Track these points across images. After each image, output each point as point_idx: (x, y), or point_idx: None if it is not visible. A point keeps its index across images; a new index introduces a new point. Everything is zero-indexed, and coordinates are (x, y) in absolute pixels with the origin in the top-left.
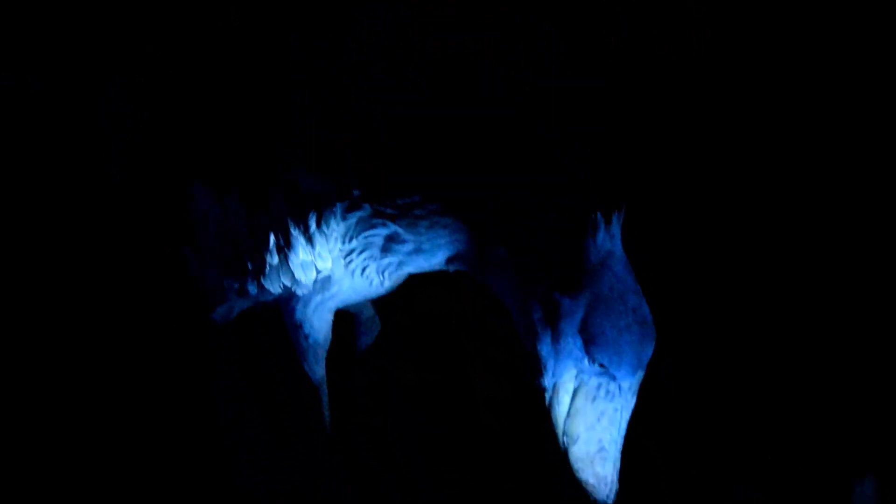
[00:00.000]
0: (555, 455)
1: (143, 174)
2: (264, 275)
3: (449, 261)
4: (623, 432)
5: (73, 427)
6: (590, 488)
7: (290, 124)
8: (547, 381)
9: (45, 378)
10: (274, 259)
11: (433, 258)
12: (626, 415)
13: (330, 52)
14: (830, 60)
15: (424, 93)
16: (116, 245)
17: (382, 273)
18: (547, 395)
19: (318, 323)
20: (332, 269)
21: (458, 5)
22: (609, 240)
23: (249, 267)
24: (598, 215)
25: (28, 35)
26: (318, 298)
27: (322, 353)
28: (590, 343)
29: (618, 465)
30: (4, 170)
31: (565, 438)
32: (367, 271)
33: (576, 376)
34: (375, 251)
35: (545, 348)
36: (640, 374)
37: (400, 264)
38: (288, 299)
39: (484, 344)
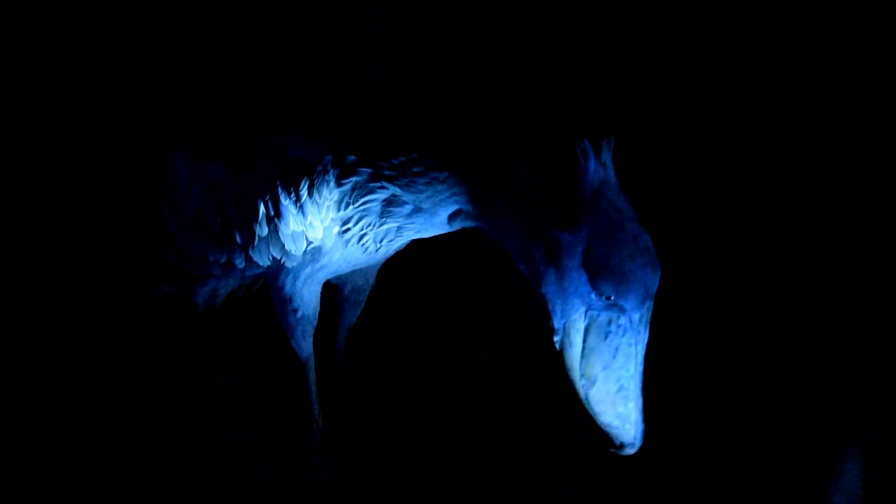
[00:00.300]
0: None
1: (142, 174)
2: (253, 246)
3: (451, 218)
4: (640, 368)
5: (77, 426)
6: (614, 432)
7: (282, 91)
8: (556, 323)
9: (45, 377)
10: (263, 230)
11: (434, 217)
12: (641, 349)
13: (329, 45)
14: (828, 61)
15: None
16: (115, 244)
17: (381, 241)
18: (557, 338)
19: (308, 296)
20: (324, 239)
21: (457, 5)
22: (601, 169)
23: (238, 239)
24: (587, 143)
25: (28, 35)
26: (307, 270)
27: (311, 329)
28: (595, 276)
29: (640, 403)
30: (4, 170)
31: (583, 382)
32: (365, 239)
33: (585, 314)
34: (374, 217)
35: (551, 288)
36: (650, 305)
37: (399, 230)
38: (276, 273)
39: (488, 312)
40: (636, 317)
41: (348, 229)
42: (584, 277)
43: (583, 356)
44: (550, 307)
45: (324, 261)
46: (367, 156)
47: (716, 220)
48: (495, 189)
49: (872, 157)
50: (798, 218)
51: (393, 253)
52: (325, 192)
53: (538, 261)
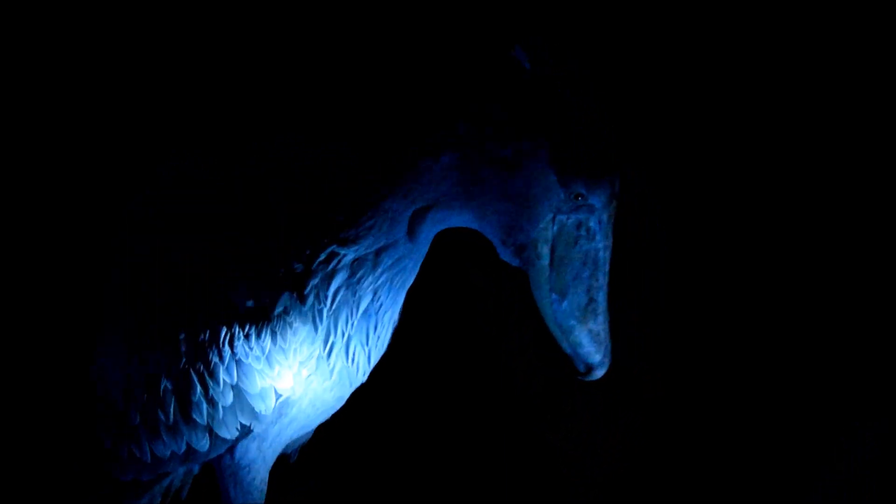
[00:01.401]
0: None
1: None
2: (216, 420)
3: (411, 231)
4: (608, 279)
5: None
6: (584, 351)
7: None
8: (523, 238)
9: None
10: (227, 398)
11: (399, 246)
12: (608, 255)
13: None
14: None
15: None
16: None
17: (369, 335)
18: (526, 254)
19: (269, 462)
20: (294, 386)
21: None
22: (544, 66)
23: (199, 419)
24: (517, 48)
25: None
26: (275, 430)
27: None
28: (564, 171)
29: (608, 319)
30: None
31: (553, 296)
32: (352, 348)
33: (553, 220)
34: (352, 305)
35: (514, 204)
36: (615, 205)
37: (376, 299)
38: (234, 442)
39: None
40: (605, 217)
41: (332, 346)
42: (553, 177)
43: (551, 268)
44: (515, 224)
45: (293, 412)
46: (318, 242)
47: (714, 220)
48: (436, 153)
49: (873, 158)
50: (797, 217)
51: (375, 364)
52: (290, 333)
53: (496, 184)
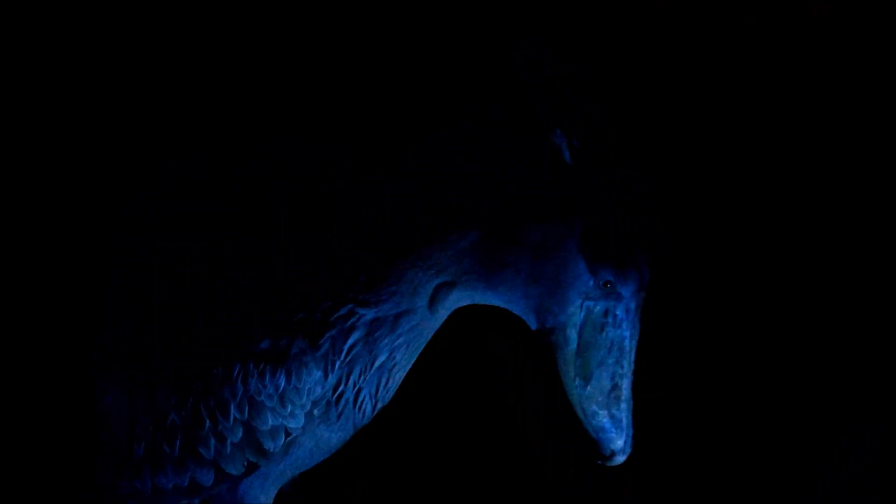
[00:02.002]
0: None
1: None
2: (223, 456)
3: (433, 301)
4: (632, 366)
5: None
6: (605, 437)
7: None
8: (551, 321)
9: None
10: (236, 435)
11: (416, 314)
12: (634, 344)
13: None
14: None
15: None
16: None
17: (378, 388)
18: (554, 337)
19: (272, 495)
20: (305, 425)
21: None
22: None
23: (206, 454)
24: (559, 132)
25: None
26: (279, 468)
27: None
28: (594, 259)
29: (631, 405)
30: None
31: (577, 382)
32: (360, 398)
33: (581, 307)
34: (365, 360)
35: (544, 287)
36: (643, 295)
37: (391, 359)
38: (239, 479)
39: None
40: (633, 306)
41: (342, 394)
42: (582, 263)
43: (577, 352)
44: (544, 306)
45: (298, 451)
46: (339, 296)
47: (714, 220)
48: (463, 228)
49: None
50: (797, 217)
51: (373, 416)
52: (305, 373)
53: (524, 268)
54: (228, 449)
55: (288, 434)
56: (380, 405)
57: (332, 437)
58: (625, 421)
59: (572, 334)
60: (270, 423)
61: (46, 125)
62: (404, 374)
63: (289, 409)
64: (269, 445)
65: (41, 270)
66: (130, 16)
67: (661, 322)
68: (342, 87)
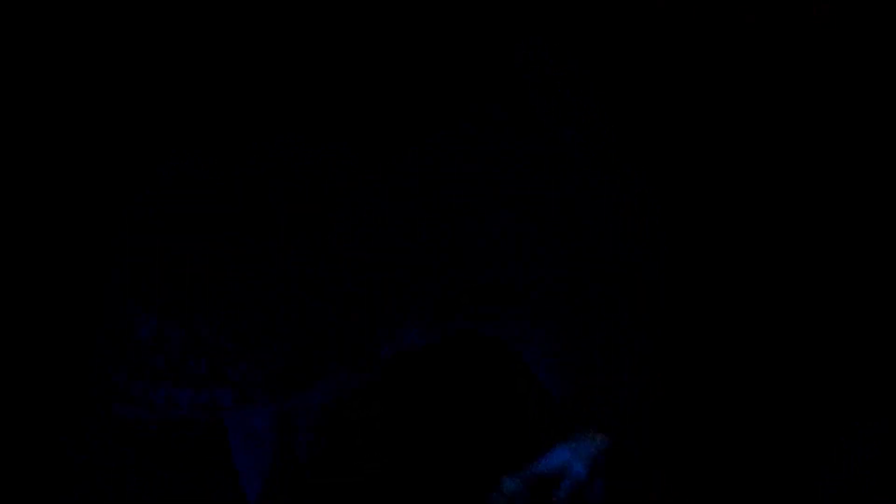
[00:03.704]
0: None
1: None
2: (251, 383)
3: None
4: None
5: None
6: None
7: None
8: None
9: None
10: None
11: None
12: None
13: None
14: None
15: None
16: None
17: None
18: None
19: (287, 428)
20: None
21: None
22: None
23: (231, 377)
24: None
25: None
26: (303, 403)
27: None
28: None
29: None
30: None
31: None
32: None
33: None
34: None
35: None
36: None
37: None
38: (260, 406)
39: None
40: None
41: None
42: None
43: None
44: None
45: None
46: None
47: (714, 220)
48: None
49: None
50: (797, 217)
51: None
52: None
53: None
54: (260, 377)
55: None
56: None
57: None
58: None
59: None
60: (312, 362)
61: (46, 125)
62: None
63: (333, 352)
64: (300, 384)
65: (40, 270)
66: (130, 16)
67: (661, 322)
68: (342, 87)
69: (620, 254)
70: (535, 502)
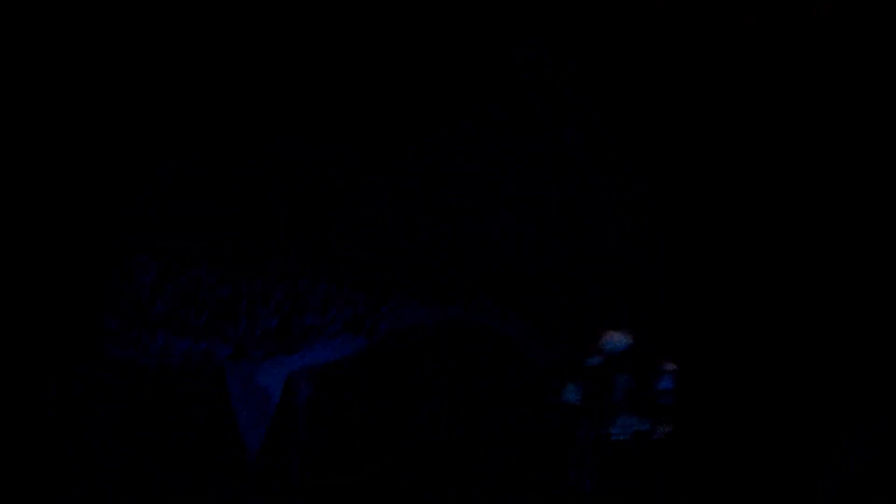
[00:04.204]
0: None
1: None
2: (249, 338)
3: None
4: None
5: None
6: None
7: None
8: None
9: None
10: (272, 322)
11: None
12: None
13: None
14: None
15: None
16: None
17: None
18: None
19: (282, 380)
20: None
21: None
22: None
23: (230, 331)
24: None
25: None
26: (296, 361)
27: (268, 422)
28: None
29: None
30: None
31: None
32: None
33: None
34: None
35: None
36: None
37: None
38: (255, 360)
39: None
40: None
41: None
42: None
43: None
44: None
45: (321, 351)
46: None
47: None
48: None
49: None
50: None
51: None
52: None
53: None
54: (258, 332)
55: (318, 336)
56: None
57: (358, 345)
58: None
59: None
60: (310, 321)
61: (46, 125)
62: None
63: (332, 314)
64: (297, 341)
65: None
66: (130, 15)
67: (661, 322)
68: (342, 87)
69: (620, 254)
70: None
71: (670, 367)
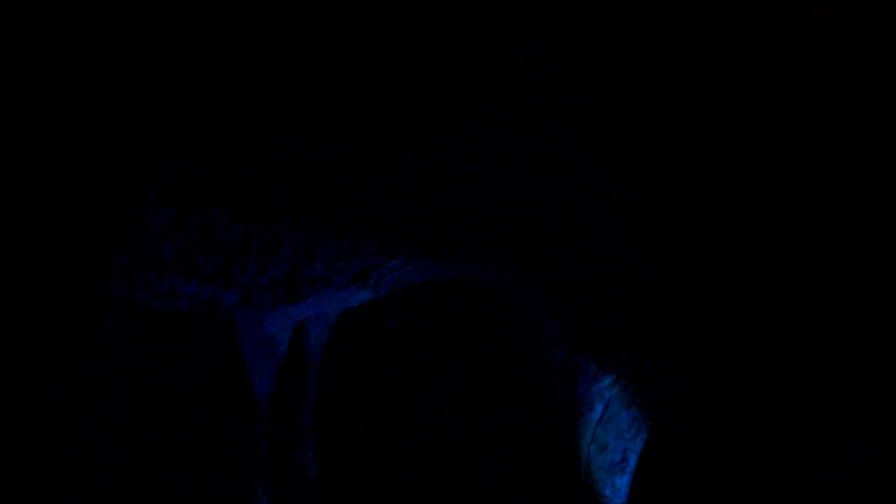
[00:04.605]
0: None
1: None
2: (256, 285)
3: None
4: (643, 444)
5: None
6: (603, 502)
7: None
8: (580, 389)
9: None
10: (280, 270)
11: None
12: (650, 426)
13: None
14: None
15: None
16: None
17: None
18: (578, 404)
19: (287, 335)
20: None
21: None
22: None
23: (238, 276)
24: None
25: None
26: (304, 311)
27: (275, 368)
28: (624, 346)
29: (631, 479)
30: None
31: (592, 448)
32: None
33: (614, 383)
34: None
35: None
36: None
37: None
38: (261, 309)
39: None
40: (655, 392)
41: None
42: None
43: (600, 421)
44: (579, 373)
45: (325, 303)
46: None
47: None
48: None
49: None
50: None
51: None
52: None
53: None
54: (265, 280)
55: (325, 286)
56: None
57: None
58: (623, 491)
59: (599, 406)
60: (318, 272)
61: (46, 125)
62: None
63: (340, 266)
64: (304, 291)
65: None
66: (131, 16)
67: (662, 322)
68: (342, 87)
69: (620, 254)
70: None
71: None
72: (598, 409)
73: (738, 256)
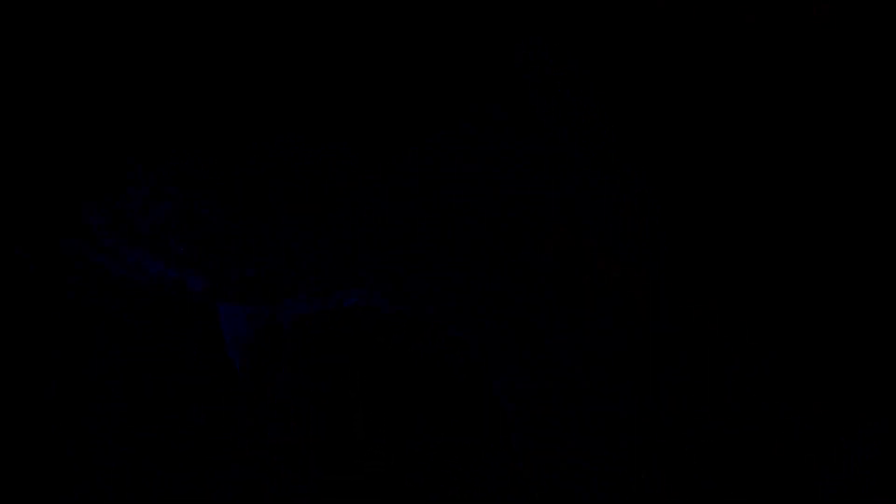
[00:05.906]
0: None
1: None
2: (227, 281)
3: None
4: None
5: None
6: None
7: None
8: None
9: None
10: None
11: None
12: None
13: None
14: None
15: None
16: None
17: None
18: None
19: (253, 331)
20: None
21: None
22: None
23: (209, 265)
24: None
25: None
26: (271, 310)
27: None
28: None
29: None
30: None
31: None
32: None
33: None
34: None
35: None
36: None
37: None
38: (230, 299)
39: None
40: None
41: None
42: None
43: None
44: None
45: (295, 305)
46: None
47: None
48: None
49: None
50: (797, 216)
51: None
52: None
53: None
54: (234, 277)
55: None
56: None
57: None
58: None
59: None
60: (285, 281)
61: (46, 125)
62: None
63: (310, 279)
64: (276, 294)
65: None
66: (131, 16)
67: (662, 322)
68: (342, 88)
69: (620, 254)
70: None
71: None
72: None
73: (738, 256)
